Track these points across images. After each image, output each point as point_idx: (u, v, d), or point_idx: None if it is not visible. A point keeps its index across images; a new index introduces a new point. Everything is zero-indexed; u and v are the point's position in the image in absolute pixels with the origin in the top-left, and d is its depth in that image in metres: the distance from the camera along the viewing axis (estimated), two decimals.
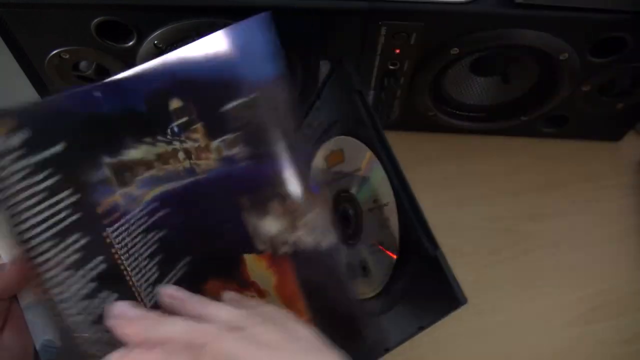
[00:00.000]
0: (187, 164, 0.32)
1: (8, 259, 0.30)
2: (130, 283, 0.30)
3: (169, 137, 0.32)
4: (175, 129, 0.31)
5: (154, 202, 0.32)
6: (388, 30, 0.45)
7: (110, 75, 0.49)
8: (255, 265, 0.33)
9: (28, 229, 0.26)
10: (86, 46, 0.46)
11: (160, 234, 0.32)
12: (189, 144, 0.31)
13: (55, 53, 0.47)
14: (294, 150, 0.29)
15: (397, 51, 0.47)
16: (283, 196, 0.30)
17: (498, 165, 0.58)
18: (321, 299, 0.32)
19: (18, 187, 0.26)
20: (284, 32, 0.45)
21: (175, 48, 0.45)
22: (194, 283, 0.33)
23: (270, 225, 0.31)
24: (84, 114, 0.30)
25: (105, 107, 0.30)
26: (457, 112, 0.56)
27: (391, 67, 0.49)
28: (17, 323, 0.31)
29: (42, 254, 0.27)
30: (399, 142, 0.59)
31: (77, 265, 0.27)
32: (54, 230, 0.27)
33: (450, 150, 0.59)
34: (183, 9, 0.43)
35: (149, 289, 0.31)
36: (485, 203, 0.55)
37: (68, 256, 0.27)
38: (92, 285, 0.28)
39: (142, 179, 0.32)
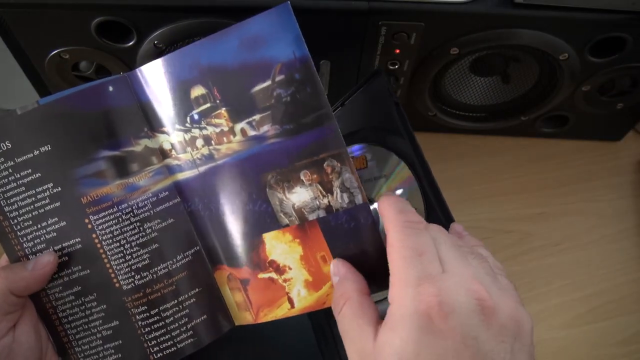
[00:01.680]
0: (205, 150, 0.33)
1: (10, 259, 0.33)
2: (108, 265, 0.33)
3: (187, 125, 0.33)
4: (195, 117, 0.33)
5: (164, 191, 0.34)
6: (388, 30, 0.45)
7: (110, 75, 0.49)
8: (277, 241, 0.34)
9: (10, 211, 0.33)
10: (86, 46, 0.46)
11: (163, 224, 0.34)
12: (209, 130, 0.33)
13: (55, 53, 0.47)
14: (329, 117, 0.31)
15: (397, 51, 0.47)
16: (319, 162, 0.32)
17: (498, 165, 0.58)
18: (351, 256, 0.33)
19: (1, 182, 0.32)
20: None
21: (176, 48, 0.46)
22: (199, 272, 0.35)
23: (299, 196, 0.33)
24: (86, 112, 0.32)
25: (117, 101, 0.33)
26: (457, 112, 0.56)
27: (391, 67, 0.49)
28: (32, 318, 0.33)
29: (22, 229, 0.33)
30: None
31: (53, 241, 0.33)
32: (34, 213, 0.33)
33: (450, 150, 0.59)
34: (183, 9, 0.43)
35: (130, 274, 0.33)
36: (485, 203, 0.55)
37: (46, 233, 0.33)
38: (64, 258, 0.33)
39: (154, 169, 0.34)
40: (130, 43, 0.45)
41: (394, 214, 0.29)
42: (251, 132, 0.32)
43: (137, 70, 0.33)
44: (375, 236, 0.32)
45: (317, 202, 0.32)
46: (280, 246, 0.34)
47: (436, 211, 0.36)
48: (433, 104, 0.54)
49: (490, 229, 0.54)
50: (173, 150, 0.34)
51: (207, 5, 0.43)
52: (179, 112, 0.33)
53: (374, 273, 0.33)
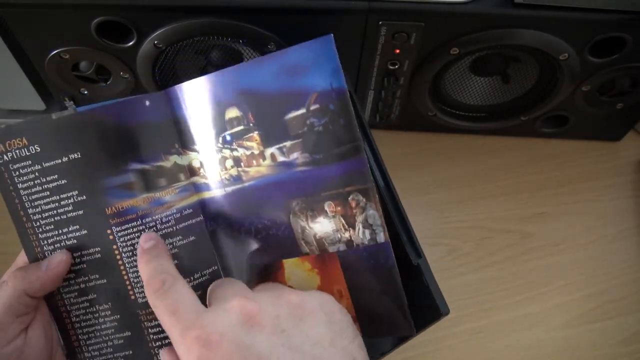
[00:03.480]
0: (234, 171, 0.33)
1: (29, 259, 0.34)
2: (125, 277, 0.33)
3: (219, 145, 0.33)
4: (228, 138, 0.33)
5: (188, 208, 0.34)
6: (388, 30, 0.45)
7: (110, 75, 0.49)
8: (296, 268, 0.34)
9: (34, 213, 0.32)
10: (86, 46, 0.46)
11: (184, 241, 0.34)
12: (240, 152, 0.33)
13: (55, 53, 0.47)
14: (359, 151, 0.31)
15: (397, 51, 0.47)
16: (344, 195, 0.32)
17: (498, 165, 0.58)
18: (367, 296, 0.33)
19: (27, 184, 0.32)
20: (284, 32, 0.45)
21: (176, 48, 0.46)
22: None
23: (321, 226, 0.32)
24: (121, 124, 0.32)
25: (152, 116, 0.33)
26: (457, 112, 0.56)
27: (391, 67, 0.49)
28: (43, 320, 0.33)
29: (43, 232, 0.33)
30: (399, 142, 0.60)
31: (73, 248, 0.33)
32: (56, 218, 0.32)
33: (450, 150, 0.59)
34: (183, 9, 0.43)
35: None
36: (485, 203, 0.55)
37: (67, 239, 0.33)
38: (83, 265, 0.33)
39: (181, 186, 0.34)
40: (130, 43, 0.45)
41: (145, 282, 0.29)
42: (280, 158, 0.32)
43: (176, 87, 0.33)
44: (394, 279, 0.32)
45: (339, 235, 0.32)
46: (298, 273, 0.34)
47: (387, 204, 0.36)
48: (433, 104, 0.54)
49: (490, 229, 0.54)
50: (201, 169, 0.34)
51: (207, 5, 0.43)
52: (213, 132, 0.33)
53: (390, 316, 0.33)
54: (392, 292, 0.32)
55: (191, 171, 0.34)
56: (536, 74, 0.51)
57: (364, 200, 0.31)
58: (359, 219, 0.32)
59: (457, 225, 0.54)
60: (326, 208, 0.32)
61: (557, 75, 0.49)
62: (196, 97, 0.33)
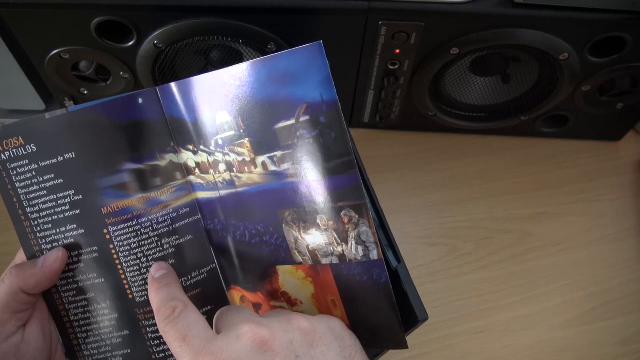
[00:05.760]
0: (227, 175, 0.33)
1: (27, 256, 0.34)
2: (123, 276, 0.33)
3: (211, 148, 0.33)
4: (220, 141, 0.33)
5: (185, 208, 0.34)
6: (388, 30, 0.45)
7: (110, 75, 0.49)
8: (290, 276, 0.34)
9: (32, 212, 0.33)
10: (86, 46, 0.46)
11: (181, 240, 0.34)
12: (232, 157, 0.33)
13: (55, 53, 0.47)
14: (352, 166, 0.30)
15: (397, 51, 0.47)
16: (336, 210, 0.31)
17: (498, 165, 0.58)
18: (361, 308, 0.32)
19: (25, 183, 0.32)
20: (284, 32, 0.45)
21: (176, 48, 0.46)
22: (213, 290, 0.35)
23: (314, 239, 0.32)
24: (113, 123, 0.32)
25: (146, 114, 0.33)
26: (457, 112, 0.56)
27: (391, 67, 0.49)
28: (41, 318, 0.33)
29: (41, 231, 0.33)
30: (399, 142, 0.60)
31: (70, 247, 0.33)
32: (54, 217, 0.33)
33: (450, 150, 0.59)
34: (183, 9, 0.43)
35: (144, 287, 0.33)
36: (485, 203, 0.55)
37: (65, 238, 0.33)
38: (80, 264, 0.33)
39: (177, 185, 0.34)
40: (130, 43, 0.45)
41: (155, 310, 0.29)
42: (272, 167, 0.32)
43: (168, 85, 0.33)
44: (387, 295, 0.31)
45: (331, 249, 0.32)
46: (292, 281, 0.34)
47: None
48: (433, 104, 0.54)
49: (490, 229, 0.54)
50: (197, 169, 0.34)
51: (207, 5, 0.43)
52: (205, 134, 0.33)
53: (383, 330, 0.32)
54: (385, 307, 0.32)
55: (187, 170, 0.34)
56: (536, 74, 0.51)
57: (357, 216, 0.31)
58: (352, 235, 0.31)
59: (457, 225, 0.54)
60: (318, 221, 0.32)
61: (557, 75, 0.49)
62: (188, 96, 0.33)
